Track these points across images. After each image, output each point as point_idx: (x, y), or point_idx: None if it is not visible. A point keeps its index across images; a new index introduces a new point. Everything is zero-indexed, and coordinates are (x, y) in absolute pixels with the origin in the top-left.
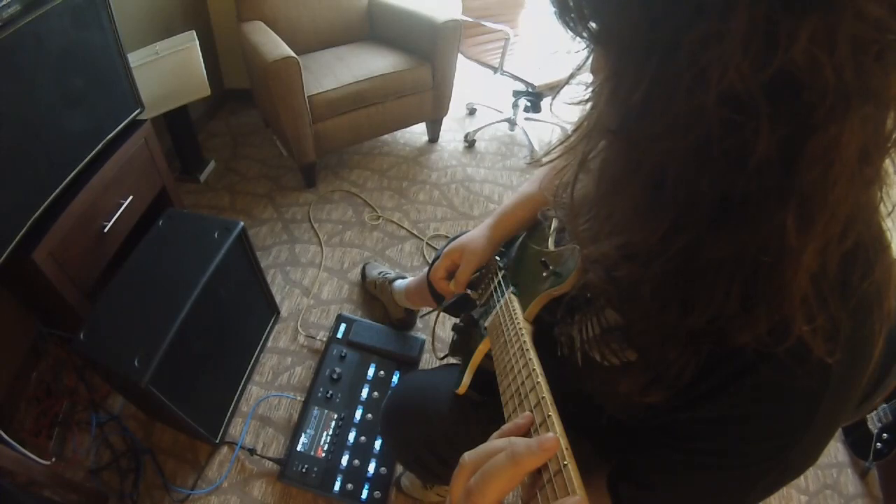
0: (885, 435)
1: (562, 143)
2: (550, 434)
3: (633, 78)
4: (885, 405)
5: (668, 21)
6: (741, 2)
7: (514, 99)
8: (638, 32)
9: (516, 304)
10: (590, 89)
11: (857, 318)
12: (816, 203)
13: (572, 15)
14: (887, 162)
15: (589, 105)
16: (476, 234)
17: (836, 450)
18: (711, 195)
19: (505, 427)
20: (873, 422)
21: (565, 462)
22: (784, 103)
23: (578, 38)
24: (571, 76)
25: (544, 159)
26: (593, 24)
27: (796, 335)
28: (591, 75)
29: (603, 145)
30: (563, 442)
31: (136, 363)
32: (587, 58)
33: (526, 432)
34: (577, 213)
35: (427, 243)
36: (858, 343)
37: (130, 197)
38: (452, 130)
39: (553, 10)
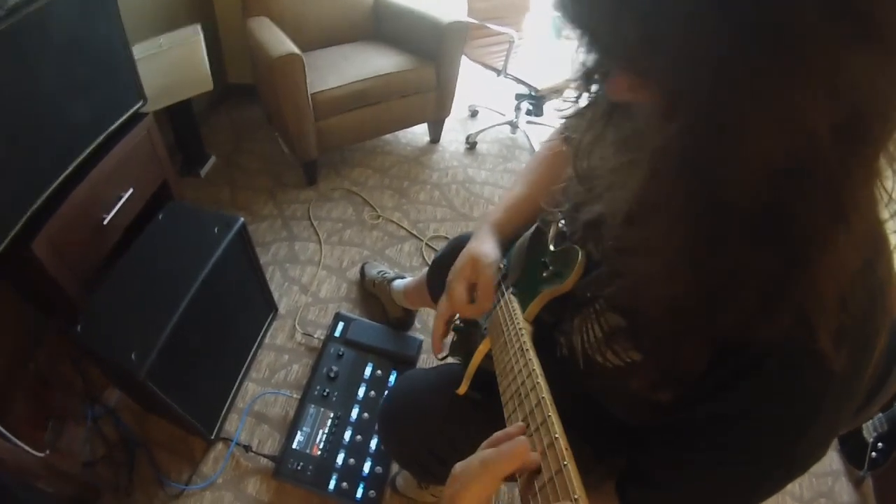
0: (880, 444)
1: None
2: (520, 438)
3: (701, 114)
4: (880, 414)
5: (749, 58)
6: (821, 41)
7: (516, 102)
8: (710, 70)
9: (516, 305)
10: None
11: (861, 312)
12: (852, 203)
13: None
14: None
15: (642, 136)
16: (479, 244)
17: (831, 458)
18: (763, 213)
19: (495, 436)
20: (868, 431)
21: (565, 462)
22: (843, 129)
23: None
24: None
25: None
26: (651, 59)
27: (814, 331)
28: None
29: (655, 169)
30: (563, 442)
31: (133, 356)
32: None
33: None
34: (619, 231)
35: (426, 244)
36: (862, 337)
37: (131, 189)
38: (454, 131)
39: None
